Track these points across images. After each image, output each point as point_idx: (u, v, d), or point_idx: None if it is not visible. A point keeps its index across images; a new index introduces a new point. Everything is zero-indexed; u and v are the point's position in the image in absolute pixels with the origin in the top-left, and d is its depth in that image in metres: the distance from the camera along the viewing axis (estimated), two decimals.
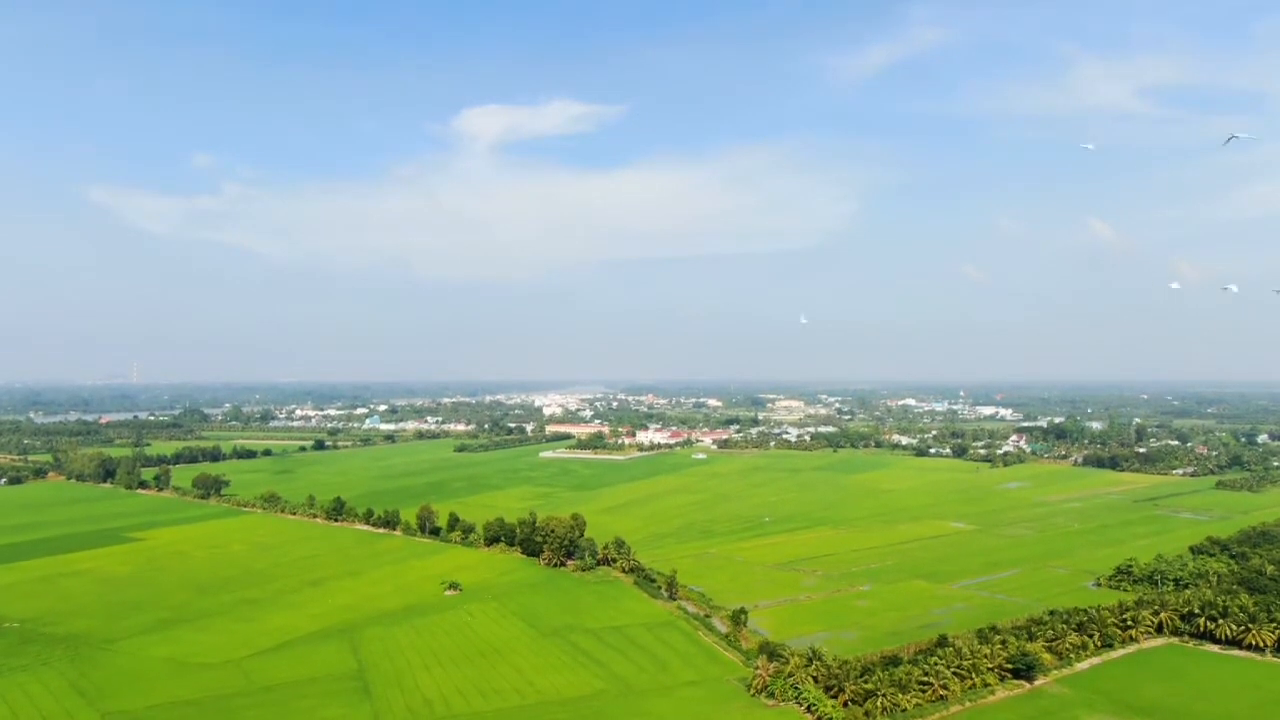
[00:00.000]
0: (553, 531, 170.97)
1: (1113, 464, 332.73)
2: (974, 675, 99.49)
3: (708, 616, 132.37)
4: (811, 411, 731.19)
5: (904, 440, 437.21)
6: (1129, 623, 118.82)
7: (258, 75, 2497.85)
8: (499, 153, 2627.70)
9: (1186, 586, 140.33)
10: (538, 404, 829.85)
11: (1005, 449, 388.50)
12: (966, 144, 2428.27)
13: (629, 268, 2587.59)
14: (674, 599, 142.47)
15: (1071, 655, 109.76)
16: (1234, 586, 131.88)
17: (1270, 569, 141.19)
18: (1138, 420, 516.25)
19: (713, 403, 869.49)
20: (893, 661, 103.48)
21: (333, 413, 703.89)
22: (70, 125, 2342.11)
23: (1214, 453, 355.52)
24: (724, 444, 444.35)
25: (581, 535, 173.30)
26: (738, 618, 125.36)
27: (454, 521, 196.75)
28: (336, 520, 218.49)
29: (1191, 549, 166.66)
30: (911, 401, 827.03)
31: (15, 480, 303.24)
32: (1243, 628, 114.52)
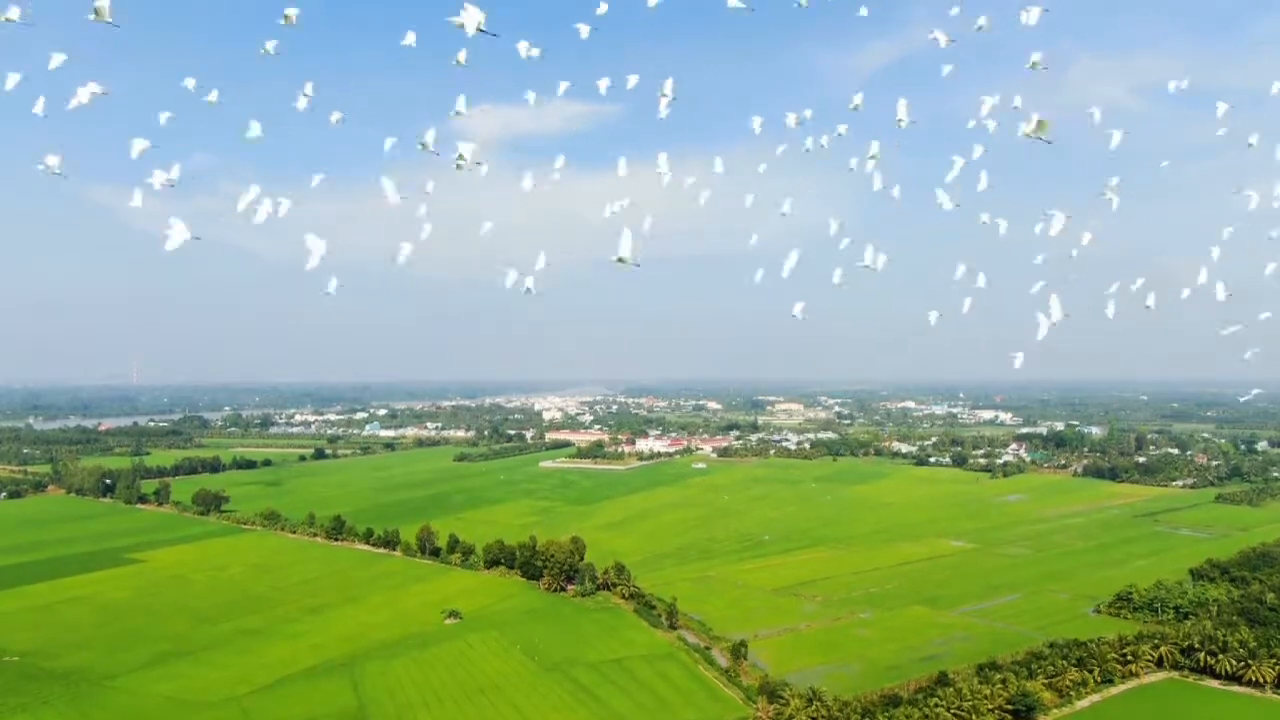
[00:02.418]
0: (553, 556, 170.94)
1: (1112, 475, 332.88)
2: (974, 717, 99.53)
3: (708, 648, 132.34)
4: (811, 415, 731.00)
5: (904, 448, 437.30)
6: (1129, 657, 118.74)
7: (257, 75, 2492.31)
8: (496, 152, 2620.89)
9: (1187, 615, 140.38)
10: (537, 408, 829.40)
11: (1005, 458, 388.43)
12: (965, 143, 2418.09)
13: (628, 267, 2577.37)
14: (674, 628, 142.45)
15: (1072, 693, 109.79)
16: (1234, 618, 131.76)
17: (1270, 597, 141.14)
18: (1137, 428, 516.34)
19: (712, 405, 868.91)
20: (893, 701, 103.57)
21: (332, 417, 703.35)
22: (70, 125, 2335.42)
23: (1214, 463, 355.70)
24: (724, 452, 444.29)
25: (581, 559, 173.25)
26: (738, 651, 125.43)
27: (454, 543, 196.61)
28: (336, 540, 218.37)
29: (1191, 572, 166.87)
30: (911, 404, 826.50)
31: (15, 494, 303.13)
32: (1242, 663, 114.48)
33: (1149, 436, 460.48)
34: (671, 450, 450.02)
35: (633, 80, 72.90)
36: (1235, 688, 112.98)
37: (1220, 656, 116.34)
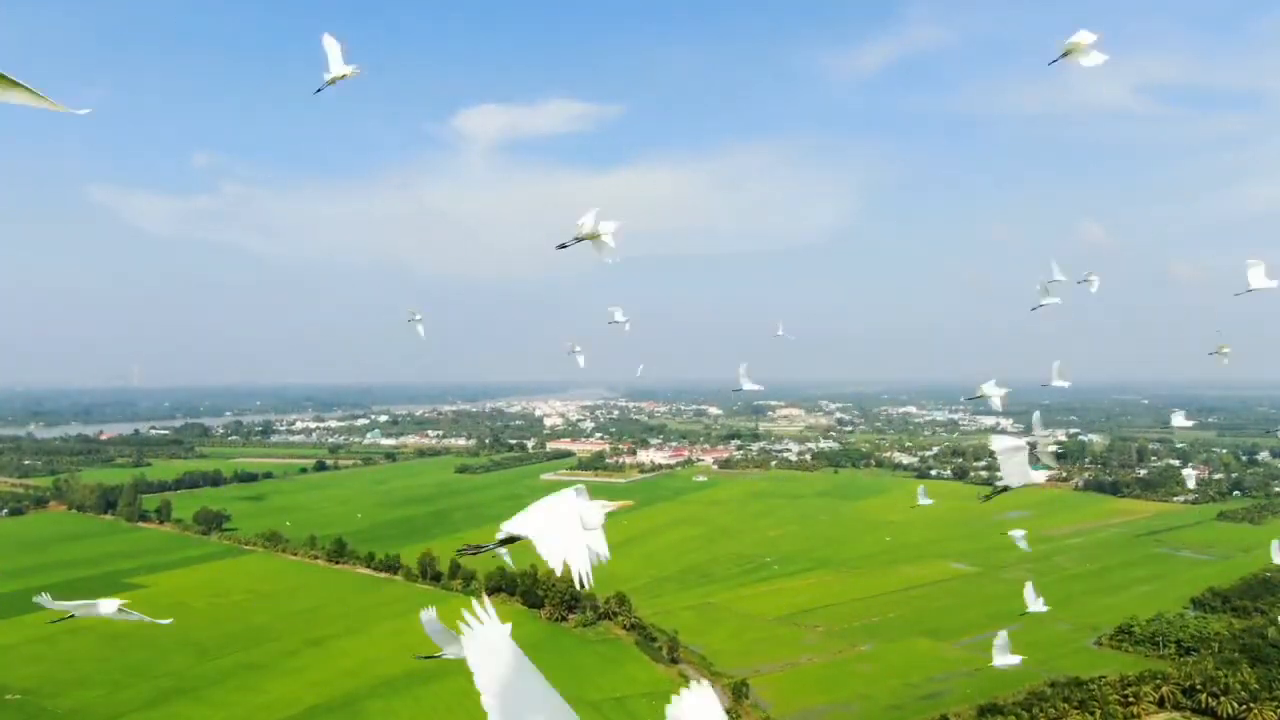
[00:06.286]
0: (554, 585, 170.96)
1: (1114, 489, 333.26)
2: None
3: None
4: (812, 421, 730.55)
5: (905, 460, 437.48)
6: (1130, 698, 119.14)
7: (257, 75, 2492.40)
8: (497, 152, 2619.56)
9: (1189, 650, 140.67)
10: (538, 413, 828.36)
11: None
12: (965, 143, 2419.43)
13: (629, 267, 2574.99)
14: (675, 663, 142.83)
15: None
16: (1235, 654, 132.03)
17: (1272, 632, 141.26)
18: (1138, 437, 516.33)
19: (713, 410, 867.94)
20: None
21: (333, 424, 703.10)
22: (70, 125, 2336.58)
23: (1215, 476, 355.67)
24: (724, 464, 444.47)
25: (583, 586, 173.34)
26: (739, 690, 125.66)
27: (455, 568, 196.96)
28: (338, 562, 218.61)
29: (1193, 601, 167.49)
30: (913, 409, 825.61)
31: (16, 511, 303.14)
32: (1244, 705, 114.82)
33: (1150, 446, 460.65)
34: (672, 462, 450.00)
35: None
36: None
37: (1222, 699, 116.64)
